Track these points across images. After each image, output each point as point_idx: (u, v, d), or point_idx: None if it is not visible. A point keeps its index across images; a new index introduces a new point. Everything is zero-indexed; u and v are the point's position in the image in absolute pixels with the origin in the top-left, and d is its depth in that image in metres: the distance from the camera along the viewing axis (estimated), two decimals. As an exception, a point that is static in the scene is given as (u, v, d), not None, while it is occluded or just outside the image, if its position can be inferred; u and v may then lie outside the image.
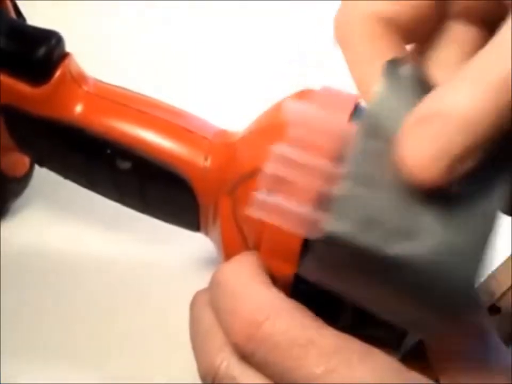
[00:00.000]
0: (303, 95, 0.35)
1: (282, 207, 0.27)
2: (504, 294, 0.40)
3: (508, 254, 0.42)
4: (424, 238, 0.25)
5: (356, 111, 0.33)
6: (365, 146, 0.26)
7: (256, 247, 0.33)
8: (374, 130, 0.26)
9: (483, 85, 0.24)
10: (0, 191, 0.42)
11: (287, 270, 0.32)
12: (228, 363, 0.29)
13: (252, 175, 0.33)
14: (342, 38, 0.30)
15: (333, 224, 0.25)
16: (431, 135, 0.24)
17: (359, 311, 0.33)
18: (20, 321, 0.40)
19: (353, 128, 0.27)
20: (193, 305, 0.33)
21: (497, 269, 0.41)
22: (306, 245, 0.31)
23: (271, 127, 0.34)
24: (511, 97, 0.23)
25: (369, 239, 0.25)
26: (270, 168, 0.27)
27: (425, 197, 0.25)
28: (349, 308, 0.33)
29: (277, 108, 0.36)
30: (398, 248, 0.25)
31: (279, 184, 0.27)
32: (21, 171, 0.43)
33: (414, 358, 0.36)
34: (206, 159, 0.36)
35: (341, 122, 0.28)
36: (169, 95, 0.39)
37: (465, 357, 0.30)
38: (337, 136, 0.27)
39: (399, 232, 0.25)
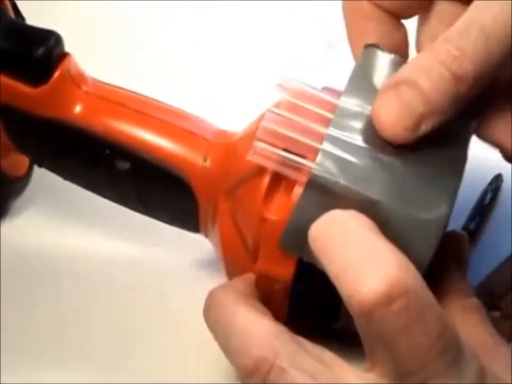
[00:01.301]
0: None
1: (278, 155, 0.31)
2: (504, 294, 0.40)
3: (508, 254, 0.42)
4: (395, 182, 0.30)
5: None
6: (348, 106, 0.32)
7: (255, 248, 0.33)
8: (356, 92, 0.32)
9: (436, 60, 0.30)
10: (0, 191, 0.42)
11: (286, 272, 0.32)
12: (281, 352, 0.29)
13: (251, 176, 0.33)
14: (346, 17, 0.37)
15: (317, 169, 0.30)
16: (399, 97, 0.30)
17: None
18: (19, 321, 0.39)
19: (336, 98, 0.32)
20: (218, 303, 0.32)
21: (497, 269, 0.41)
22: None
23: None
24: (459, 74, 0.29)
25: (346, 179, 0.30)
26: (267, 123, 0.32)
27: (399, 150, 0.30)
28: (346, 309, 0.33)
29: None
30: (373, 190, 0.30)
31: (274, 137, 0.32)
32: (20, 171, 0.43)
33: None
34: (205, 159, 0.36)
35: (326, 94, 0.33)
36: (169, 95, 0.39)
37: None
38: (323, 102, 0.32)
39: (374, 176, 0.30)
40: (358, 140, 0.31)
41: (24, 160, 0.43)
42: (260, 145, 0.31)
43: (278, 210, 0.32)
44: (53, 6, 0.54)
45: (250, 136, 0.35)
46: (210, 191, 0.36)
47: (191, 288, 0.40)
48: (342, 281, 0.27)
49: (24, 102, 0.36)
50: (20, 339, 0.39)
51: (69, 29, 0.38)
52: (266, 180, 0.32)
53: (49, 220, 0.44)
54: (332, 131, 0.31)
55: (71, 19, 0.53)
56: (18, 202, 0.44)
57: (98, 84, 0.38)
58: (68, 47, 0.37)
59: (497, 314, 0.40)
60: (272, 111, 0.32)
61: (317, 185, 0.30)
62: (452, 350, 0.27)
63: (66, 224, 0.44)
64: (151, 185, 0.37)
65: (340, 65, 0.45)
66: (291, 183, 0.31)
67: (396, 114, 0.30)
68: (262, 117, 0.36)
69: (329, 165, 0.30)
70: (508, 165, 0.37)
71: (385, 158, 0.30)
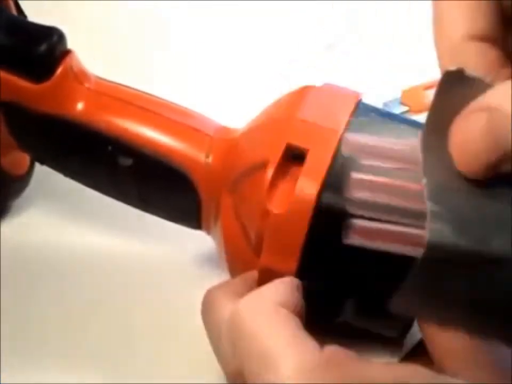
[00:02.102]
0: (304, 91, 0.35)
1: (383, 230, 0.27)
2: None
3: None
4: (500, 234, 0.25)
5: (358, 108, 0.34)
6: (433, 152, 0.27)
7: (258, 244, 0.33)
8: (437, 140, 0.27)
9: None
10: (1, 190, 0.42)
11: (290, 266, 0.32)
12: None
13: (254, 170, 0.33)
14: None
15: (433, 233, 0.25)
16: (488, 123, 0.25)
17: (360, 306, 0.34)
18: (19, 321, 0.39)
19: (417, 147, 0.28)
20: (210, 305, 0.32)
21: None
22: (309, 239, 0.31)
23: (272, 123, 0.34)
24: None
25: (469, 240, 0.25)
26: (356, 193, 0.27)
27: (499, 188, 0.26)
28: (349, 303, 0.33)
29: (277, 105, 0.36)
30: (497, 243, 0.25)
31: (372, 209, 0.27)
32: (21, 170, 0.43)
33: (416, 354, 0.36)
34: (207, 155, 0.36)
35: (407, 143, 0.28)
36: (170, 93, 0.39)
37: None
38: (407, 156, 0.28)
39: (493, 228, 0.26)
40: (458, 189, 0.26)
41: (25, 159, 0.43)
42: (358, 222, 0.27)
43: (282, 203, 0.31)
44: (54, 3, 0.54)
45: (253, 132, 0.35)
46: (213, 187, 0.36)
47: (192, 286, 0.39)
48: None
49: (27, 99, 0.36)
50: (20, 339, 0.39)
51: (71, 27, 0.38)
52: (269, 173, 0.32)
53: (49, 219, 0.44)
54: (429, 188, 0.26)
55: (73, 17, 0.54)
56: (18, 202, 0.44)
57: (101, 81, 0.38)
58: (70, 44, 0.37)
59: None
60: (356, 179, 0.27)
61: (435, 252, 0.25)
62: None
63: (67, 223, 0.44)
64: (153, 181, 0.37)
65: (340, 65, 0.45)
66: (295, 176, 0.31)
67: (479, 143, 0.26)
68: (263, 113, 0.36)
69: (443, 226, 0.25)
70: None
71: (491, 204, 0.26)
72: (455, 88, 0.28)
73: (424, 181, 0.26)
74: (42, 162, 0.40)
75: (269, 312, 0.29)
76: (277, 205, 0.32)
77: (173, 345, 0.39)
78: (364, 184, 0.27)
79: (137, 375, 0.37)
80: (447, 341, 0.30)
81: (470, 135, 0.26)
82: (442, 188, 0.26)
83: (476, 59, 0.29)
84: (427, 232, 0.25)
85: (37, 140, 0.39)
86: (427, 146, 0.27)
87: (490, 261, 0.26)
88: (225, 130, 0.37)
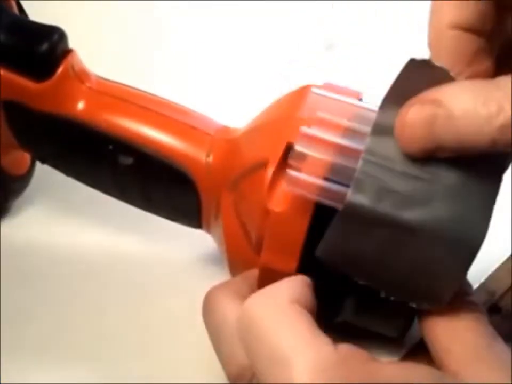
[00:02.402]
0: (304, 91, 0.35)
1: (310, 181, 0.30)
2: (504, 294, 0.40)
3: (508, 254, 0.42)
4: (434, 205, 0.29)
5: None
6: (382, 125, 0.30)
7: (259, 241, 0.33)
8: (393, 107, 0.30)
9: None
10: (1, 190, 0.42)
11: (290, 265, 0.32)
12: None
13: (254, 169, 0.33)
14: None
15: (353, 196, 0.29)
16: (430, 115, 0.28)
17: (359, 306, 0.34)
18: (20, 321, 0.39)
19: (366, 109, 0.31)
20: (211, 305, 0.32)
21: (497, 269, 0.42)
22: (309, 238, 0.31)
23: (273, 123, 0.34)
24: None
25: (384, 207, 0.29)
26: (299, 146, 0.31)
27: (434, 170, 0.29)
28: (349, 302, 0.33)
29: (278, 105, 0.36)
30: (411, 215, 0.29)
31: (305, 160, 0.30)
32: (22, 169, 0.43)
33: (417, 353, 0.36)
34: (208, 155, 0.36)
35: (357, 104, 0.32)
36: (171, 93, 0.39)
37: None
38: (354, 115, 0.31)
39: (412, 200, 0.29)
40: (394, 160, 0.29)
41: (26, 159, 0.43)
42: (293, 173, 0.30)
43: (282, 202, 0.31)
44: (55, 3, 0.54)
45: (253, 131, 0.36)
46: (213, 186, 0.36)
47: (193, 285, 0.39)
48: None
49: (28, 98, 0.36)
50: (20, 339, 0.39)
51: (72, 26, 0.38)
52: (270, 172, 0.32)
53: (51, 218, 0.44)
54: (367, 154, 0.29)
55: (73, 16, 0.54)
56: (18, 201, 0.44)
57: (102, 81, 0.38)
58: (71, 44, 0.37)
59: (497, 314, 0.40)
60: (303, 133, 0.31)
61: (352, 212, 0.29)
62: None
63: (67, 223, 0.44)
64: (154, 180, 0.37)
65: (340, 65, 0.45)
66: None
67: (418, 130, 0.28)
68: (263, 113, 0.36)
69: (365, 191, 0.29)
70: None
71: (421, 179, 0.29)
72: (415, 75, 0.30)
73: (364, 147, 0.29)
74: (43, 161, 0.40)
75: (283, 309, 0.29)
76: (277, 204, 0.32)
77: (173, 345, 0.39)
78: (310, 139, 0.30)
79: (137, 375, 0.37)
80: (448, 340, 0.30)
81: (412, 121, 0.28)
82: (378, 157, 0.29)
83: (452, 48, 0.30)
84: (348, 192, 0.29)
85: (37, 139, 0.39)
86: (378, 120, 0.30)
87: (401, 229, 0.29)
88: (225, 129, 0.38)
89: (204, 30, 0.56)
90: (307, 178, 0.30)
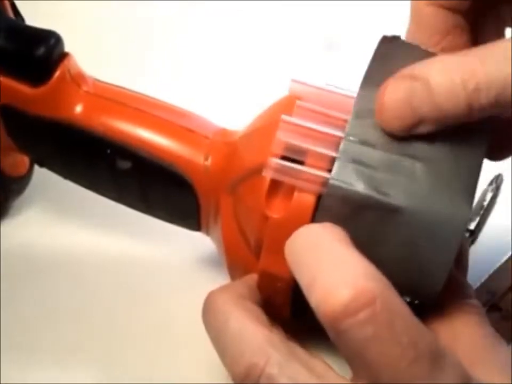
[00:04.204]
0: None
1: (294, 169, 0.31)
2: (504, 294, 0.40)
3: (508, 254, 0.42)
4: (416, 184, 0.29)
5: None
6: (361, 107, 0.30)
7: (258, 245, 0.33)
8: (373, 88, 0.30)
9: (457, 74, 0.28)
10: (1, 191, 0.42)
11: (289, 270, 0.32)
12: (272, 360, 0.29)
13: (253, 174, 0.33)
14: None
15: (335, 178, 0.30)
16: (408, 90, 0.29)
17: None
18: (20, 321, 0.39)
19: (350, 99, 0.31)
20: (212, 308, 0.32)
21: (497, 269, 0.42)
22: None
23: (270, 126, 0.34)
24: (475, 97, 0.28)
25: (366, 188, 0.29)
26: (281, 136, 0.31)
27: (416, 150, 0.30)
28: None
29: (275, 107, 0.36)
30: (393, 194, 0.29)
31: (290, 149, 0.31)
32: (21, 171, 0.43)
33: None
34: (206, 158, 0.36)
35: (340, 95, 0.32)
36: (169, 95, 0.39)
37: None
38: (339, 105, 0.32)
39: (394, 181, 0.29)
40: (375, 143, 0.30)
41: (25, 160, 0.43)
42: (274, 161, 0.31)
43: (280, 208, 0.31)
44: (52, 6, 0.54)
45: (251, 134, 0.35)
46: (212, 190, 0.36)
47: (193, 288, 0.39)
48: (310, 292, 0.28)
49: (25, 102, 0.36)
50: (20, 339, 0.39)
51: (69, 29, 0.38)
52: (268, 177, 0.32)
53: (50, 220, 0.44)
54: (348, 137, 0.30)
55: (70, 19, 0.53)
56: (18, 202, 0.44)
57: (99, 84, 0.38)
58: (67, 47, 0.37)
59: (497, 314, 0.40)
60: (285, 121, 0.31)
61: (335, 195, 0.30)
62: (426, 358, 0.26)
63: (66, 223, 0.44)
64: (152, 184, 0.37)
65: (340, 65, 0.45)
66: None
67: (397, 107, 0.29)
68: (261, 115, 0.36)
69: (347, 173, 0.30)
70: (508, 165, 0.37)
71: (403, 160, 0.30)
72: (390, 53, 0.31)
73: (345, 130, 0.30)
74: (41, 165, 0.40)
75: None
76: (275, 210, 0.32)
77: (172, 346, 0.39)
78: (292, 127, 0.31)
79: (137, 376, 0.38)
80: (448, 342, 0.30)
81: (391, 99, 0.29)
82: (360, 139, 0.30)
83: (429, 22, 0.33)
84: (330, 175, 0.30)
85: (35, 143, 0.39)
86: (358, 103, 0.31)
87: (385, 210, 0.29)
88: (224, 132, 0.37)
89: (203, 31, 0.56)
90: (285, 164, 0.31)
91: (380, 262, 0.28)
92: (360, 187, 0.29)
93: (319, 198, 0.31)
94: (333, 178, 0.30)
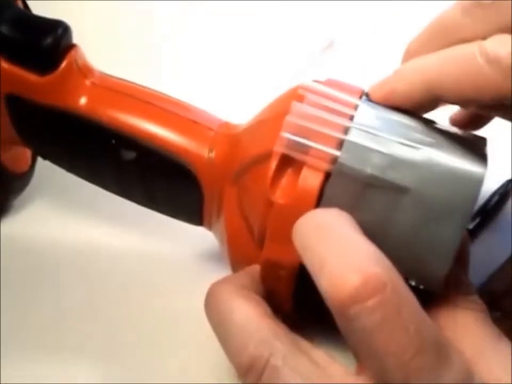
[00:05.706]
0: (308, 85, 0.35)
1: (305, 145, 0.31)
2: (504, 294, 0.40)
3: (508, 254, 0.42)
4: (422, 167, 0.30)
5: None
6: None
7: (261, 235, 0.33)
8: None
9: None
10: (2, 188, 0.42)
11: (293, 255, 0.32)
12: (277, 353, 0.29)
13: (257, 162, 0.33)
14: None
15: (344, 157, 0.30)
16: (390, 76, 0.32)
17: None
18: (20, 320, 0.39)
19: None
20: (215, 300, 0.32)
21: (497, 269, 0.42)
22: None
23: (275, 116, 0.34)
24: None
25: (373, 168, 0.30)
26: (292, 118, 0.32)
27: (423, 134, 0.31)
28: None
29: (280, 100, 0.36)
30: (398, 175, 0.30)
31: (299, 132, 0.31)
32: (23, 167, 0.43)
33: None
34: (211, 150, 0.36)
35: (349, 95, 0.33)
36: (174, 89, 0.39)
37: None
38: (346, 102, 0.32)
39: (401, 162, 0.30)
40: (383, 127, 0.31)
41: (26, 157, 0.43)
42: (286, 136, 0.31)
43: (285, 194, 0.32)
44: (59, 1, 0.54)
45: (256, 126, 0.36)
46: (216, 182, 0.36)
47: (194, 283, 0.40)
48: (319, 277, 0.28)
49: (31, 91, 0.36)
50: (20, 338, 0.38)
51: (75, 23, 0.38)
52: (273, 164, 0.32)
53: (52, 216, 0.44)
54: (357, 120, 0.31)
55: (77, 12, 0.54)
56: (19, 200, 0.44)
57: (104, 76, 0.38)
58: (74, 39, 0.37)
59: (498, 314, 0.40)
60: (296, 106, 0.32)
61: (343, 174, 0.30)
62: (431, 348, 0.27)
63: (67, 221, 0.44)
64: (156, 175, 0.37)
65: (340, 65, 0.45)
66: (298, 167, 0.31)
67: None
68: (265, 109, 0.36)
69: (356, 154, 0.30)
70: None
71: (411, 143, 0.30)
72: None
73: (355, 113, 0.31)
74: (44, 157, 0.40)
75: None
76: (280, 196, 0.32)
77: (174, 341, 0.39)
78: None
79: (138, 375, 0.37)
80: (452, 340, 0.30)
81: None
82: (369, 124, 0.31)
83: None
84: (340, 153, 0.30)
85: (39, 133, 0.39)
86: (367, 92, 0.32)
87: (392, 190, 0.30)
88: (228, 125, 0.38)
89: (206, 28, 0.57)
90: (297, 140, 0.31)
91: (387, 246, 0.28)
92: (368, 167, 0.30)
93: (323, 187, 0.31)
94: (342, 157, 0.30)
